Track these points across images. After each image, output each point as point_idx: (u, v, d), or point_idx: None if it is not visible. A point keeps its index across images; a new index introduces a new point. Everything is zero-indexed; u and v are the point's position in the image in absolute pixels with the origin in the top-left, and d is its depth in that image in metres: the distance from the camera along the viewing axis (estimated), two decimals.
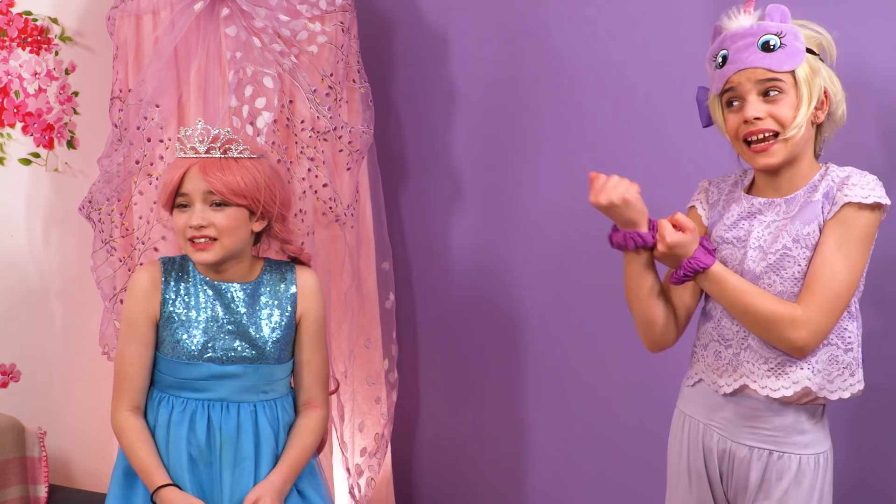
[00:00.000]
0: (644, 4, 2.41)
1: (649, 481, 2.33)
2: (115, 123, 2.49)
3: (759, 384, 1.74)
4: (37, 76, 2.60)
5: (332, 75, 2.50)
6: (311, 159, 2.47)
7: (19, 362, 2.60)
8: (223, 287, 2.02)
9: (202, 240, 1.94)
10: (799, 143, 1.73)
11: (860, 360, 1.75)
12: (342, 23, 2.54)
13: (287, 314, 2.05)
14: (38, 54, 2.60)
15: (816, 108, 1.73)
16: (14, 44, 2.55)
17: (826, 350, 1.72)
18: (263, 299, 2.04)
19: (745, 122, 1.73)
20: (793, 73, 1.71)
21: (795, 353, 1.70)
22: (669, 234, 1.74)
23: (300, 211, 2.45)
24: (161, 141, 2.42)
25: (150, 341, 2.00)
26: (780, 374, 1.73)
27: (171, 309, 1.99)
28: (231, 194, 1.93)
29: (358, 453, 2.69)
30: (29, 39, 2.57)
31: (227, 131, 1.96)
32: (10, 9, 2.55)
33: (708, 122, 1.86)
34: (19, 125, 2.58)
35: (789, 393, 1.72)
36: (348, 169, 2.56)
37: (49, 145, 2.64)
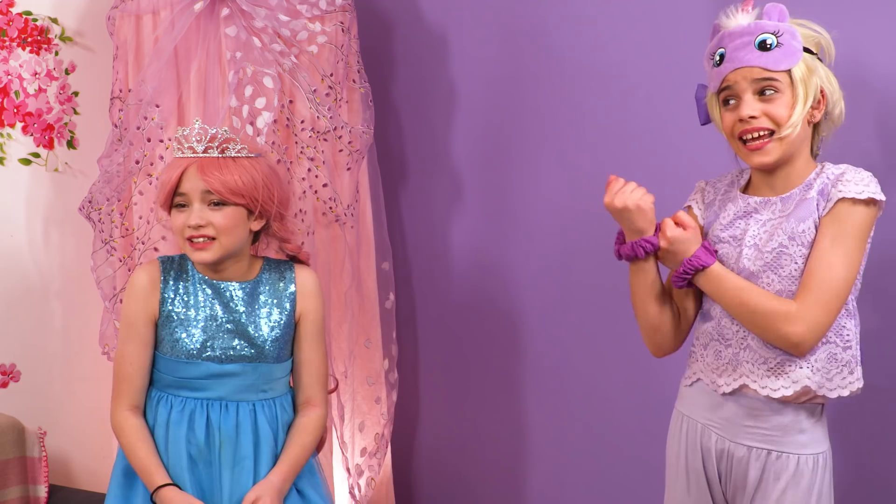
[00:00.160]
0: (644, 4, 2.41)
1: (648, 481, 2.33)
2: (115, 123, 2.49)
3: (759, 384, 1.74)
4: (37, 76, 2.60)
5: (332, 75, 2.50)
6: (311, 159, 2.47)
7: (19, 362, 2.60)
8: (222, 286, 2.02)
9: (200, 239, 1.94)
10: (794, 142, 1.73)
11: (859, 358, 1.75)
12: (342, 23, 2.54)
13: (286, 313, 2.05)
14: (38, 54, 2.60)
15: (813, 108, 1.73)
16: (14, 44, 2.55)
17: (825, 348, 1.72)
18: (262, 298, 2.04)
19: (741, 120, 1.73)
20: (789, 72, 1.71)
21: (793, 349, 1.70)
22: (670, 229, 1.77)
23: (300, 211, 2.45)
24: (161, 141, 2.42)
25: (150, 341, 2.00)
26: (779, 373, 1.73)
27: (170, 308, 1.99)
28: (229, 193, 1.93)
29: (358, 453, 2.69)
30: (29, 39, 2.58)
31: (225, 130, 1.96)
32: (10, 9, 2.55)
33: (706, 119, 1.86)
34: (19, 125, 2.58)
35: (789, 392, 1.72)
36: (348, 169, 2.56)
37: (49, 145, 2.65)
